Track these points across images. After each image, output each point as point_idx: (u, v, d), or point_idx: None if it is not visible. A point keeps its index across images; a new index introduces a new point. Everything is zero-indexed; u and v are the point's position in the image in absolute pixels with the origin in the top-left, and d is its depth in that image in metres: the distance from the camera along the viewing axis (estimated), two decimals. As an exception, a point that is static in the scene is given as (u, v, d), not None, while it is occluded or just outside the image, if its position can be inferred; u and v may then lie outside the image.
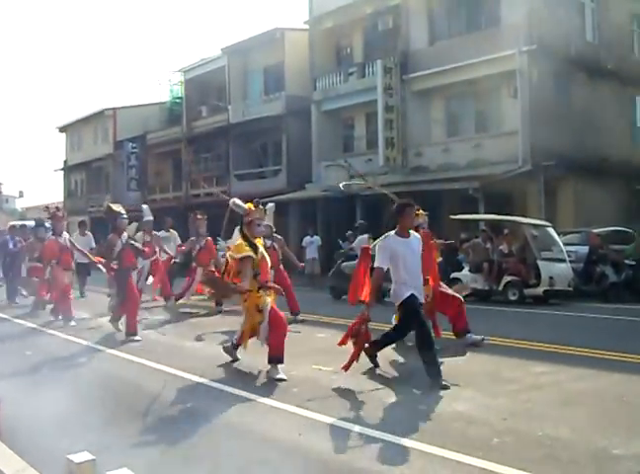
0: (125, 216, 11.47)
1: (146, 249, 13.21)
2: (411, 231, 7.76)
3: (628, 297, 16.37)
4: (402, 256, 7.52)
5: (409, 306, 7.53)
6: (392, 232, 7.68)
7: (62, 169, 55.09)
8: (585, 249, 17.92)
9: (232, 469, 4.85)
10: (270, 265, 8.35)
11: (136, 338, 10.70)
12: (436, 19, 26.72)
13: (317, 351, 9.65)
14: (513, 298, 16.33)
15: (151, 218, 15.68)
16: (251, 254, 7.84)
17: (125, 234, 11.41)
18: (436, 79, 25.47)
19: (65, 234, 13.90)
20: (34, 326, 12.96)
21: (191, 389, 7.33)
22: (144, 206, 16.30)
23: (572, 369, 7.51)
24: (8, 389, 7.04)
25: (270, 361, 7.73)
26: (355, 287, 7.90)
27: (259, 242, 8.21)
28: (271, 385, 7.33)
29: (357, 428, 5.69)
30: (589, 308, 14.82)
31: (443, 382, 7.00)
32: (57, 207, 14.22)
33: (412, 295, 7.50)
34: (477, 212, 21.21)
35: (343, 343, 7.93)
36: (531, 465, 4.72)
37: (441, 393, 6.82)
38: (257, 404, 6.61)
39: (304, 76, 31.23)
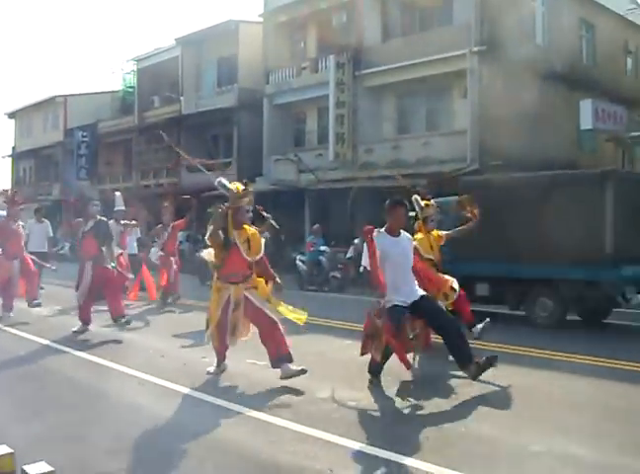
0: (97, 203, 11.03)
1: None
2: (401, 231, 7.21)
3: None
4: (391, 256, 6.97)
5: (390, 316, 6.85)
6: (382, 229, 7.10)
7: (10, 155, 54.15)
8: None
9: (153, 461, 4.83)
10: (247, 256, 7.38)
11: (88, 328, 10.61)
12: (389, 16, 26.83)
13: (254, 346, 9.64)
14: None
15: (123, 208, 14.97)
16: (216, 256, 7.35)
17: (92, 222, 10.76)
18: (388, 76, 25.57)
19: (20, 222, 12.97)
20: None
21: (121, 382, 7.28)
22: (117, 194, 15.42)
23: (505, 367, 7.60)
24: None
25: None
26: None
27: (247, 230, 7.39)
28: (201, 379, 7.31)
29: (283, 422, 5.70)
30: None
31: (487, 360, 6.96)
32: (15, 191, 13.82)
33: (394, 306, 6.91)
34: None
35: (365, 352, 7.20)
36: (451, 461, 4.78)
37: (370, 390, 6.87)
38: (187, 397, 6.59)
39: (258, 69, 31.12)
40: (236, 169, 32.07)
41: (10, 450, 4.56)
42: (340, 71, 26.25)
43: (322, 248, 19.78)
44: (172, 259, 14.67)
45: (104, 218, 11.11)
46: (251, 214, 7.43)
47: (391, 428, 5.60)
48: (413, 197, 9.11)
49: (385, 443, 5.13)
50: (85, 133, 43.10)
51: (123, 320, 10.77)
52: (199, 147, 35.19)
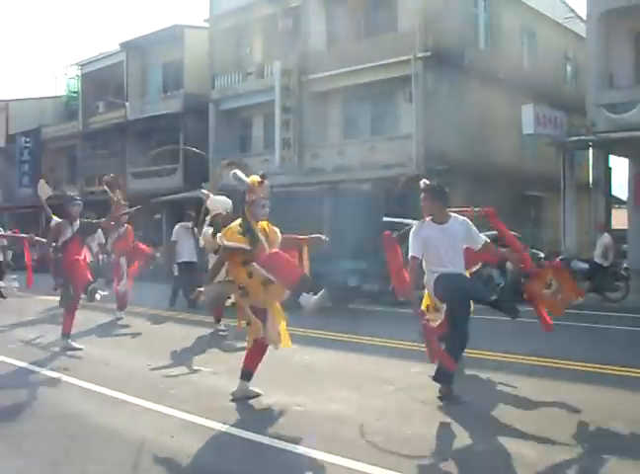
0: (79, 201, 10.09)
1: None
2: (454, 215, 6.89)
3: (516, 298, 16.87)
4: (437, 243, 6.66)
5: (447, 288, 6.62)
6: (428, 218, 6.78)
7: (-51, 161, 52.91)
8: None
9: (97, 473, 4.78)
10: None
11: (76, 345, 9.61)
12: (335, 22, 27.00)
13: (199, 351, 9.62)
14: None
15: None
16: (243, 246, 6.38)
17: (78, 222, 9.93)
18: (333, 81, 25.74)
19: None
20: None
21: (64, 391, 7.16)
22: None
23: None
24: None
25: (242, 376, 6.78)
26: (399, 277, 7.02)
27: (263, 226, 6.68)
28: (145, 386, 7.24)
29: (229, 429, 5.68)
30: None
31: (455, 395, 6.50)
32: None
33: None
34: (376, 215, 21.46)
35: (435, 359, 6.76)
36: (394, 463, 4.82)
37: (318, 394, 6.89)
38: (131, 406, 6.53)
39: (203, 74, 31.06)
40: (182, 175, 31.95)
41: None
42: (285, 77, 26.34)
43: None
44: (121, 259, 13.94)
45: (86, 219, 10.37)
46: (267, 210, 6.68)
47: (338, 431, 5.62)
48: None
49: (332, 448, 5.15)
50: (28, 139, 42.42)
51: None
52: (145, 153, 34.95)
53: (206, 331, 11.62)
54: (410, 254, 6.61)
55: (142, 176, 34.13)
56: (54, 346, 9.89)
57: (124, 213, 12.98)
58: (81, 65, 40.31)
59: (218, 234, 6.70)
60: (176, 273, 15.18)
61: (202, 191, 11.71)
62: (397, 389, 7.19)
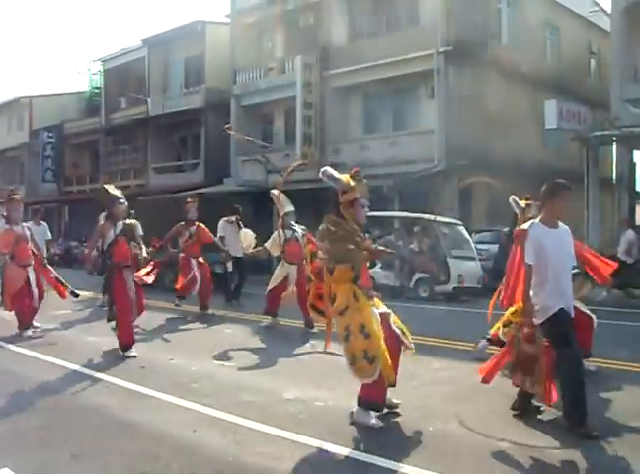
0: (124, 201, 9.26)
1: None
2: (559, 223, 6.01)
3: None
4: (550, 251, 5.74)
5: (556, 326, 5.68)
6: (537, 220, 6.01)
7: (-26, 157, 53.44)
8: (496, 247, 18.32)
9: (120, 466, 4.80)
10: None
11: (132, 353, 8.76)
12: (356, 16, 26.97)
13: (222, 346, 9.63)
14: (423, 295, 16.65)
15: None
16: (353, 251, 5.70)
17: (121, 223, 9.13)
18: (355, 76, 25.69)
19: (23, 224, 11.13)
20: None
21: (85, 384, 7.20)
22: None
23: (468, 365, 7.67)
24: None
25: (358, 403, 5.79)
26: (513, 287, 6.50)
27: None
28: (167, 381, 7.26)
29: (250, 423, 5.69)
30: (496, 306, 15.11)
31: (591, 432, 5.35)
32: (12, 190, 11.71)
33: (561, 310, 5.67)
34: (392, 210, 21.46)
35: (517, 384, 6.07)
36: (417, 460, 4.81)
37: (339, 390, 6.88)
38: (153, 399, 6.55)
39: (225, 70, 31.11)
40: (204, 169, 32.02)
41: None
42: (307, 72, 26.29)
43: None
44: (193, 261, 12.98)
45: (133, 220, 9.68)
46: (368, 211, 6.00)
47: (359, 428, 5.61)
48: (510, 198, 8.33)
49: (353, 444, 5.16)
50: (51, 135, 42.70)
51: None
52: (166, 148, 35.16)
53: (232, 327, 11.62)
54: (526, 260, 5.78)
55: (164, 171, 34.27)
56: (77, 341, 9.95)
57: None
58: (103, 61, 40.51)
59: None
60: (230, 268, 14.94)
61: (273, 191, 11.41)
62: (419, 385, 7.17)
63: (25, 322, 10.55)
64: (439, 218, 18.00)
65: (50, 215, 36.39)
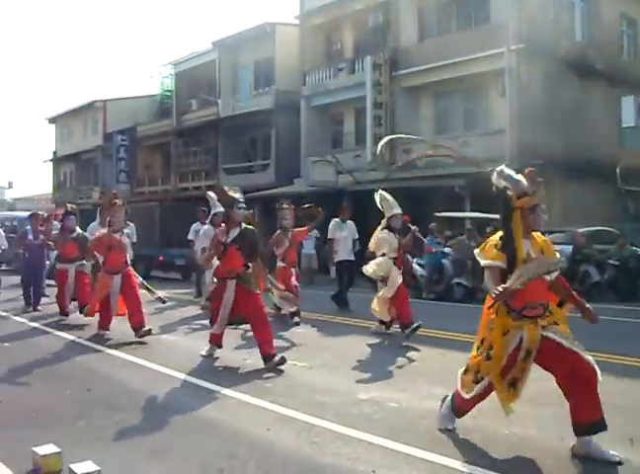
0: (244, 205, 8.48)
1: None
2: None
3: (611, 297, 16.46)
4: None
5: None
6: None
7: (52, 160, 54.91)
8: (569, 248, 17.96)
9: (198, 463, 4.86)
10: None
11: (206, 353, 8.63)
12: (426, 16, 26.77)
13: (294, 346, 9.67)
14: (497, 297, 16.36)
15: (222, 209, 13.65)
16: (499, 264, 5.11)
17: (238, 229, 8.36)
18: (425, 76, 25.49)
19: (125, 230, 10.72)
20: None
21: (164, 383, 7.32)
22: (211, 194, 12.44)
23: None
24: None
25: None
26: None
27: (541, 240, 5.28)
28: (243, 380, 7.33)
29: (325, 424, 5.70)
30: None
31: None
32: (115, 194, 11.05)
33: None
34: (463, 210, 21.24)
35: None
36: (495, 463, 4.75)
37: (414, 391, 6.84)
38: (228, 399, 6.62)
39: (294, 71, 31.24)
40: (274, 171, 32.23)
41: (57, 449, 4.68)
42: (377, 72, 26.20)
43: (446, 250, 17.56)
44: (292, 270, 12.29)
45: (249, 226, 8.66)
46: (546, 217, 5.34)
47: (434, 429, 5.56)
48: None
49: (428, 445, 5.11)
50: (124, 137, 43.54)
51: (275, 360, 7.98)
52: (236, 149, 35.48)
53: (304, 327, 11.62)
54: None
55: (234, 172, 34.58)
56: (160, 341, 10.11)
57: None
58: (175, 64, 41.11)
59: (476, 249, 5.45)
60: (333, 275, 13.94)
61: (380, 191, 10.76)
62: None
63: (104, 326, 10.47)
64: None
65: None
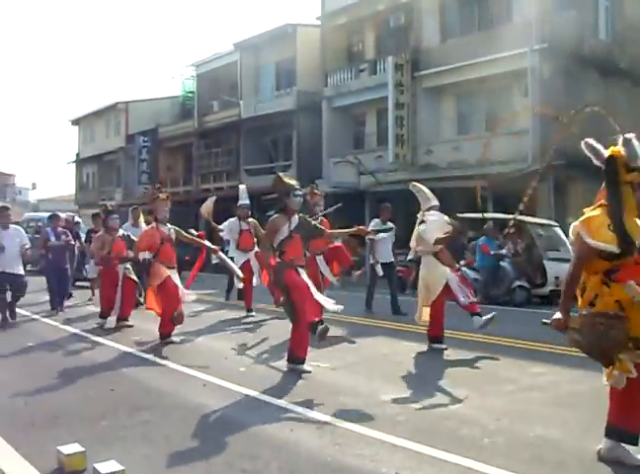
0: (300, 192, 8.15)
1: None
2: None
3: None
4: None
5: None
6: None
7: (75, 161, 55.40)
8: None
9: (221, 463, 4.86)
10: None
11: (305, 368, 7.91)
12: (447, 16, 26.69)
13: (316, 347, 9.66)
14: (519, 298, 16.28)
15: (248, 202, 13.28)
16: (612, 248, 4.49)
17: (296, 217, 8.10)
18: (447, 77, 25.41)
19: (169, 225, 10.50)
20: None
21: (187, 383, 7.34)
22: (242, 187, 13.30)
23: (570, 371, 7.49)
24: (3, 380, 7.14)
25: None
26: None
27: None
28: (266, 381, 7.33)
29: (348, 425, 5.68)
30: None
31: None
32: (159, 188, 10.69)
33: None
34: (486, 211, 21.13)
35: None
36: (519, 466, 4.71)
37: (437, 392, 6.81)
38: (251, 399, 6.63)
39: (316, 72, 31.27)
40: (296, 172, 32.22)
41: (81, 449, 4.71)
42: (398, 72, 26.17)
43: (503, 251, 16.82)
44: (318, 259, 11.58)
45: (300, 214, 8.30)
46: None
47: (457, 431, 5.54)
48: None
49: (452, 447, 5.08)
50: (146, 138, 43.80)
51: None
52: (258, 151, 35.54)
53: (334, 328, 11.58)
54: None
55: (256, 173, 34.65)
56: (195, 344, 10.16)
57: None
58: (196, 66, 41.31)
59: (574, 224, 4.79)
60: (380, 273, 13.52)
61: (414, 183, 10.58)
62: (517, 389, 7.04)
63: (166, 332, 10.03)
64: (534, 219, 17.60)
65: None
